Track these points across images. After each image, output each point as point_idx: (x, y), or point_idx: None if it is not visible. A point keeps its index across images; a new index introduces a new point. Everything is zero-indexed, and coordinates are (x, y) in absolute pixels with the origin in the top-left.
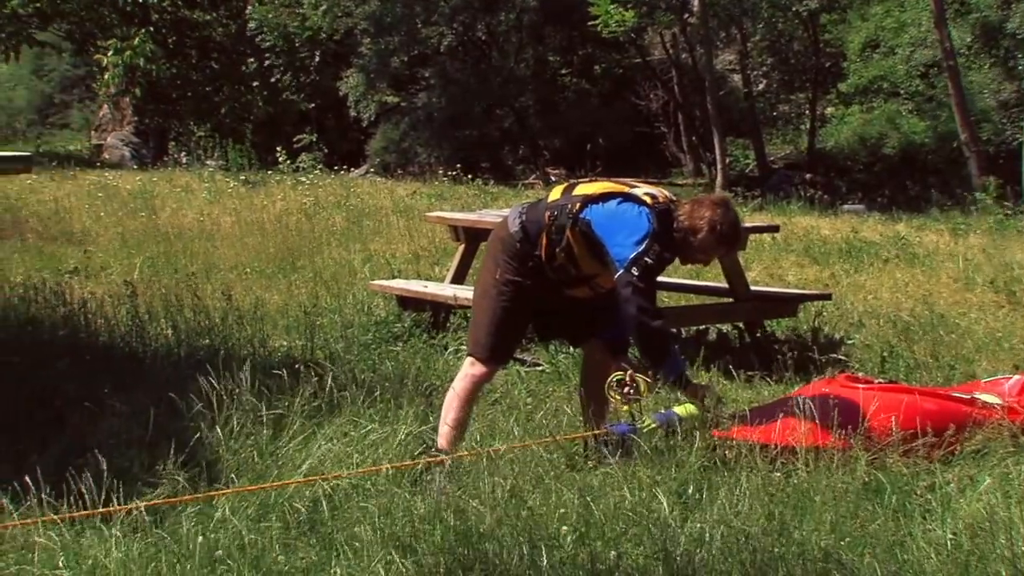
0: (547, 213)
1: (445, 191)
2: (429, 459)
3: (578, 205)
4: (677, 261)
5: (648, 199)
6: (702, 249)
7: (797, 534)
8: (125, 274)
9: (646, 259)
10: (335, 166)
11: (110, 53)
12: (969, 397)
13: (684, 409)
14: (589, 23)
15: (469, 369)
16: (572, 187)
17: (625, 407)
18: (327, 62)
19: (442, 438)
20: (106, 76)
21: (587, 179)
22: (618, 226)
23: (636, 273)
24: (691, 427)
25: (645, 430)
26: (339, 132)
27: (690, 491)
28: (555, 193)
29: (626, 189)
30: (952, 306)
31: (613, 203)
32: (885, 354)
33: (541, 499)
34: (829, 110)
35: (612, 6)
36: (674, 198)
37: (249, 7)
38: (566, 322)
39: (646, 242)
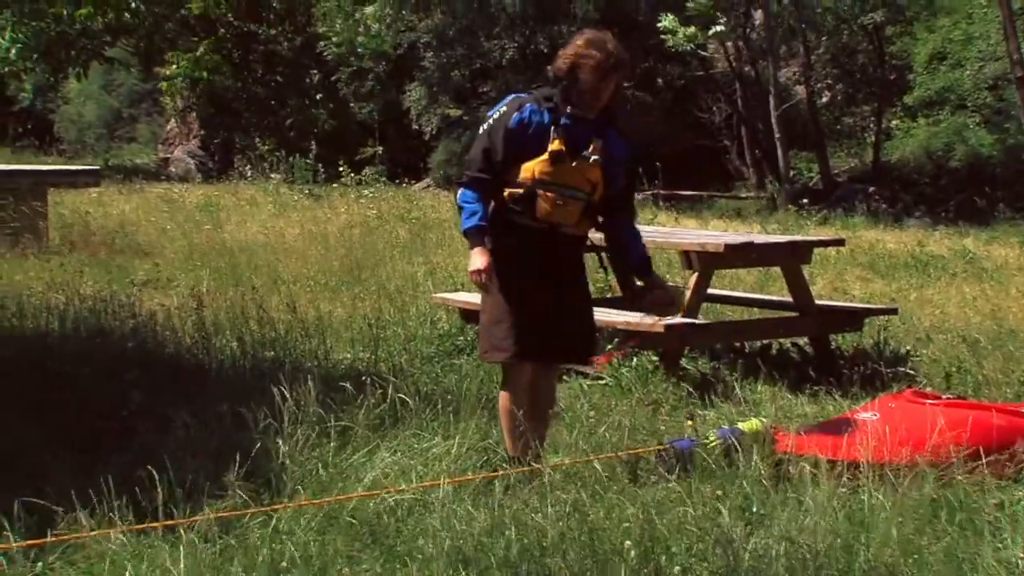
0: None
1: None
2: (489, 474)
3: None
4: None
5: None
6: (590, 89)
7: (863, 552)
8: (191, 286)
9: (482, 129)
10: (397, 179)
11: (174, 67)
12: None
13: (748, 425)
14: (654, 41)
15: (505, 377)
16: None
17: (689, 423)
18: (390, 76)
19: (508, 446)
20: (165, 85)
21: None
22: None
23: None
24: (753, 442)
25: (708, 445)
26: (401, 145)
27: (754, 507)
28: None
29: None
30: (1022, 321)
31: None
32: (953, 369)
33: (604, 513)
34: (894, 123)
35: (679, 25)
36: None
37: (313, 21)
38: (546, 329)
39: (496, 115)
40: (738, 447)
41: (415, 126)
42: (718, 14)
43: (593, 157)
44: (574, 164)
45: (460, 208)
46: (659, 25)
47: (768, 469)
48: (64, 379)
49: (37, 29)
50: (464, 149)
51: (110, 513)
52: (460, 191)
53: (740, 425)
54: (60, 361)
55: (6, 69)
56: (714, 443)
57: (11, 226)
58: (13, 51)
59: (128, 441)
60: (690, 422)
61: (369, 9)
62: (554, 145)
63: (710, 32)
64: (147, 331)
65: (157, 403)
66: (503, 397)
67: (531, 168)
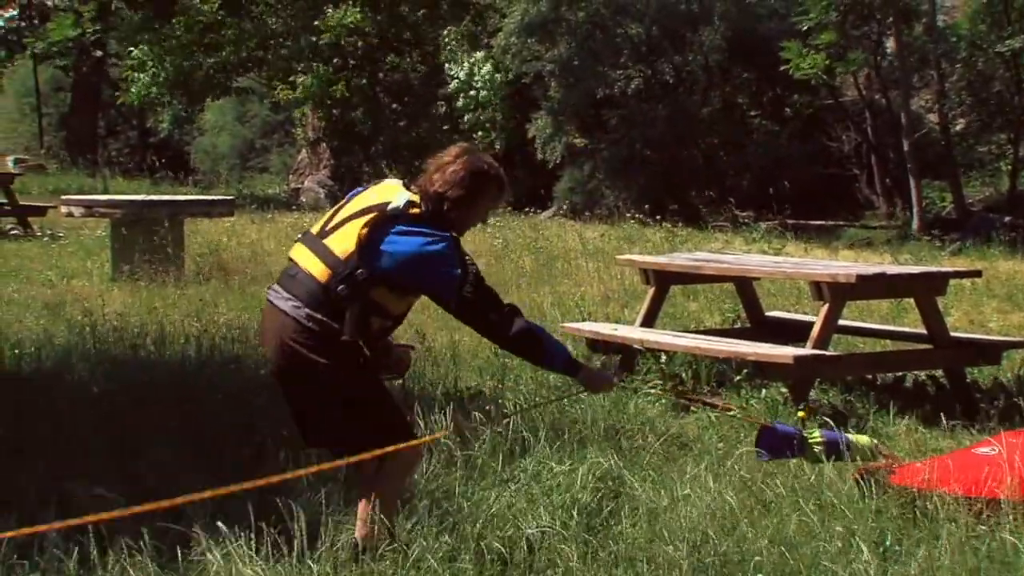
0: (329, 298)
1: (633, 233)
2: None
3: (360, 269)
4: None
5: (413, 211)
6: (489, 206)
7: None
8: None
9: (468, 271)
10: (523, 208)
11: (300, 88)
12: None
13: (856, 438)
14: (782, 67)
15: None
16: (324, 252)
17: (801, 412)
18: (515, 105)
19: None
20: (283, 95)
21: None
22: (420, 262)
23: (467, 292)
24: (857, 456)
25: (809, 440)
26: (526, 174)
27: (888, 542)
28: (315, 268)
29: (380, 217)
30: None
31: (391, 241)
32: None
33: (735, 546)
34: None
35: (803, 49)
36: (410, 184)
37: (440, 51)
38: None
39: (455, 256)
40: (844, 452)
41: (540, 155)
42: (848, 45)
43: None
44: None
45: (539, 339)
46: (781, 54)
47: (900, 504)
48: (199, 405)
49: (175, 63)
50: (588, 177)
51: (244, 537)
52: (522, 324)
53: (848, 434)
54: (196, 388)
55: (147, 102)
56: (817, 439)
57: (150, 255)
58: (154, 87)
59: (261, 466)
60: (802, 412)
61: (480, 54)
62: None
63: (839, 70)
64: None
65: (287, 428)
66: (393, 490)
67: (410, 302)
